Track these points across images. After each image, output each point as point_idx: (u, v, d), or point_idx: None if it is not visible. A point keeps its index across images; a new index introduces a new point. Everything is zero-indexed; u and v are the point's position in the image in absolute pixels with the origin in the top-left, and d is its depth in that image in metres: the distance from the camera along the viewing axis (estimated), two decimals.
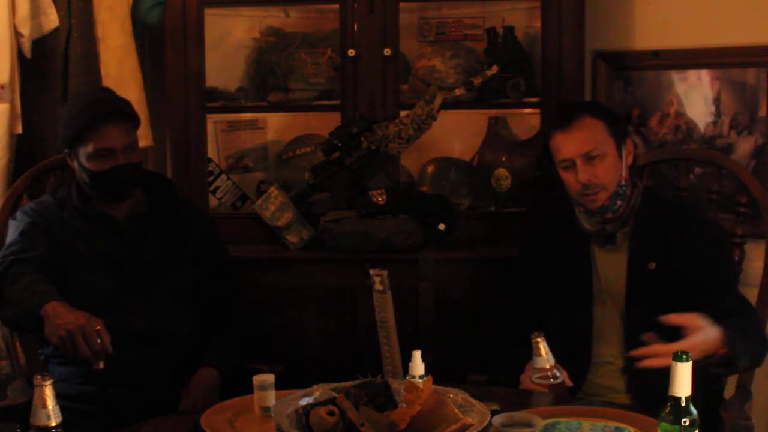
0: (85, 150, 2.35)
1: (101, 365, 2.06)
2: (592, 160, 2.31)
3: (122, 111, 2.41)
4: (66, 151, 2.42)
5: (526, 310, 2.43)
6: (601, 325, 2.39)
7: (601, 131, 2.34)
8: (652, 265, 2.35)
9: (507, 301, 2.53)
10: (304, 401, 1.74)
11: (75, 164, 2.41)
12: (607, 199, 2.34)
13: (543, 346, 2.06)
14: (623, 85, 3.11)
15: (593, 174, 2.31)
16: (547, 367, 2.06)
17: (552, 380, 2.07)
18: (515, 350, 2.27)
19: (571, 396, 2.24)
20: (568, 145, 2.33)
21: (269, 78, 3.11)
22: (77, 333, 2.02)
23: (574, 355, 2.21)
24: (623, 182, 2.35)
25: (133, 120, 2.42)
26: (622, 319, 2.36)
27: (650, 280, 2.35)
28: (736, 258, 2.60)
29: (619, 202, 2.35)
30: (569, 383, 2.17)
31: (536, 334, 2.06)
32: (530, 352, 2.09)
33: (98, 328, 2.04)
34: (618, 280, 2.39)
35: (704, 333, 2.08)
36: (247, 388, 2.01)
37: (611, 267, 2.40)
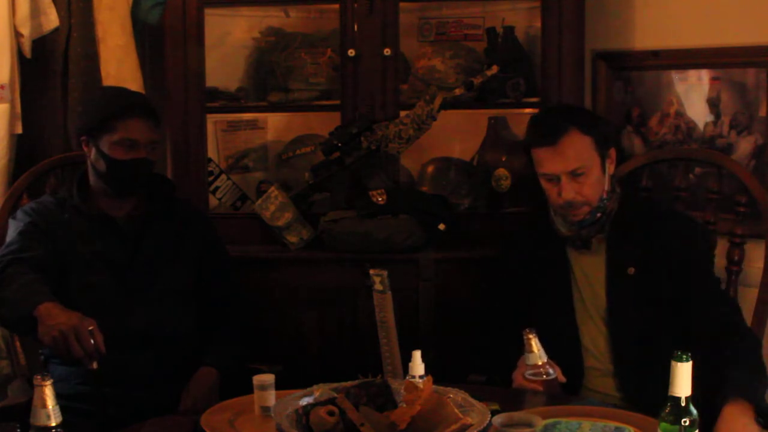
0: (110, 138, 2.37)
1: (94, 365, 2.06)
2: (577, 177, 2.29)
3: (150, 108, 2.44)
4: (83, 138, 2.43)
5: (511, 312, 2.42)
6: (584, 331, 2.38)
7: (587, 148, 2.31)
8: (631, 270, 2.34)
9: (492, 302, 2.53)
10: (304, 401, 1.74)
11: (92, 152, 2.41)
12: (587, 213, 2.33)
13: (535, 343, 2.05)
14: (623, 85, 3.11)
15: (578, 191, 2.29)
16: (540, 363, 2.06)
17: (545, 376, 2.06)
18: (509, 351, 2.26)
19: (564, 393, 2.23)
20: (554, 162, 2.29)
21: (269, 78, 3.11)
22: (70, 333, 2.01)
23: (563, 360, 2.20)
24: (605, 196, 2.35)
25: (156, 120, 2.45)
26: (605, 325, 2.36)
27: (630, 285, 2.34)
28: (736, 258, 2.60)
29: (598, 214, 2.35)
30: (562, 379, 2.17)
31: (528, 330, 2.05)
32: (521, 352, 2.09)
33: (91, 328, 2.04)
34: (597, 285, 2.38)
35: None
36: (247, 388, 2.01)
37: (589, 271, 2.40)
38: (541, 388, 2.13)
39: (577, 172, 2.28)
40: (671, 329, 2.30)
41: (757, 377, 2.13)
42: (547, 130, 2.32)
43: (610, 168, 2.38)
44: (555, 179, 2.30)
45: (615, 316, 2.35)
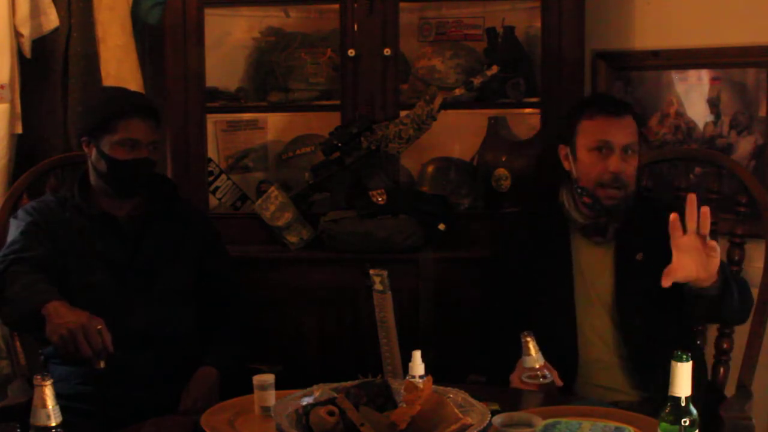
0: (111, 138, 2.37)
1: (102, 364, 2.07)
2: (626, 155, 2.35)
3: (151, 108, 2.44)
4: (84, 138, 2.43)
5: (511, 312, 2.43)
6: (588, 324, 2.39)
7: (637, 134, 2.40)
8: (639, 256, 2.36)
9: (492, 302, 2.53)
10: (304, 401, 1.74)
11: (93, 152, 2.41)
12: (621, 198, 2.36)
13: (532, 346, 2.06)
14: (623, 85, 3.11)
15: (624, 169, 2.35)
16: (537, 366, 2.06)
17: (542, 380, 2.06)
18: (508, 351, 2.26)
19: (561, 396, 2.23)
20: (615, 131, 2.36)
21: (269, 78, 3.11)
22: (79, 332, 2.02)
23: (561, 355, 2.20)
24: (634, 187, 2.40)
25: (157, 120, 2.45)
26: (611, 316, 2.37)
27: (638, 271, 2.36)
28: (736, 258, 2.60)
29: (623, 206, 2.37)
30: (559, 383, 2.17)
31: (526, 333, 2.06)
32: (519, 352, 2.09)
33: (99, 327, 2.05)
34: (605, 274, 2.40)
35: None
36: (247, 388, 2.01)
37: (597, 261, 2.41)
38: (537, 391, 2.13)
39: (629, 150, 2.36)
40: (678, 317, 2.31)
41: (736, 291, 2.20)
42: (613, 103, 2.45)
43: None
44: (608, 150, 2.34)
45: (623, 303, 2.36)
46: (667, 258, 2.33)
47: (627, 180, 2.36)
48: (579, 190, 2.40)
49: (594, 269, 2.41)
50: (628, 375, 2.34)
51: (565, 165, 2.45)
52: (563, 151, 2.45)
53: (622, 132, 2.36)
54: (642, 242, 2.38)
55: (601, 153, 2.35)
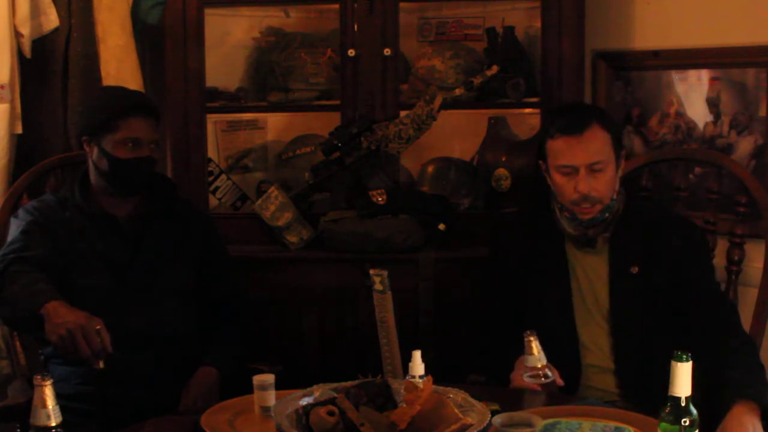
0: (113, 137, 2.37)
1: (101, 365, 2.06)
2: (595, 172, 2.29)
3: (151, 107, 2.45)
4: (85, 138, 2.44)
5: (510, 312, 2.42)
6: (584, 329, 2.38)
7: (607, 144, 2.32)
8: (635, 269, 2.35)
9: (491, 302, 2.52)
10: (304, 401, 1.74)
11: (94, 151, 2.41)
12: (598, 212, 2.33)
13: (535, 345, 2.05)
14: (623, 85, 3.11)
15: (593, 187, 2.29)
16: (539, 366, 2.06)
17: (543, 379, 2.06)
18: (508, 351, 2.26)
19: (563, 396, 2.23)
20: (575, 152, 2.29)
21: (269, 78, 3.11)
22: (77, 332, 2.02)
23: (560, 358, 2.20)
24: (615, 196, 2.35)
25: (157, 118, 2.45)
26: (607, 323, 2.36)
27: (633, 284, 2.35)
28: (736, 258, 2.60)
29: (607, 214, 2.35)
30: (560, 383, 2.17)
31: (529, 332, 2.05)
32: (519, 352, 2.09)
33: (98, 327, 2.05)
34: (599, 283, 2.38)
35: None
36: (247, 388, 2.02)
37: (591, 270, 2.40)
38: (539, 390, 2.13)
39: (595, 168, 2.29)
40: (671, 328, 2.31)
41: (759, 378, 2.14)
42: (573, 120, 2.34)
43: (621, 170, 2.39)
44: (573, 172, 2.30)
45: (618, 314, 2.35)
46: (662, 270, 2.33)
47: (598, 196, 2.30)
48: (559, 206, 2.39)
49: (589, 277, 2.40)
50: (619, 380, 2.33)
51: (547, 179, 2.41)
52: (542, 166, 2.41)
53: (584, 151, 2.29)
54: (636, 251, 2.36)
55: (567, 175, 2.31)
